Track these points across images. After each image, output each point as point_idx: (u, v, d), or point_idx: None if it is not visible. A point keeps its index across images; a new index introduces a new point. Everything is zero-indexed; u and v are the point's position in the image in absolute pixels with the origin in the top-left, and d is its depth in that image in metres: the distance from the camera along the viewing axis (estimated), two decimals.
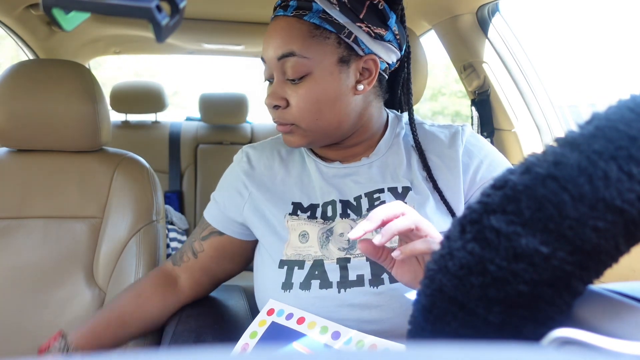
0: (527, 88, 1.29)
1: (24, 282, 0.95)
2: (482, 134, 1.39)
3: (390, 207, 0.53)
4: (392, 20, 0.70)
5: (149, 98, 2.24)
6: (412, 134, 0.74)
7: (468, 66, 1.36)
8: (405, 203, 0.70)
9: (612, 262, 0.25)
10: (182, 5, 0.34)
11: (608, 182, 0.24)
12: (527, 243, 0.25)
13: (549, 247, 0.25)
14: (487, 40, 1.27)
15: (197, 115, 2.36)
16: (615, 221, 0.24)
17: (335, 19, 0.66)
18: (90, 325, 0.78)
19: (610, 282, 0.29)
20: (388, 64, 0.72)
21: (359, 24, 0.66)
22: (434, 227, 0.54)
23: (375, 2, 0.68)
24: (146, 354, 0.16)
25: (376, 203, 0.71)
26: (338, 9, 0.66)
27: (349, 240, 0.69)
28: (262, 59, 0.71)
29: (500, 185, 0.27)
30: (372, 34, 0.67)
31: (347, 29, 0.66)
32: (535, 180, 0.26)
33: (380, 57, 0.69)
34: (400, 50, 0.73)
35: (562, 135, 0.27)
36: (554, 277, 0.25)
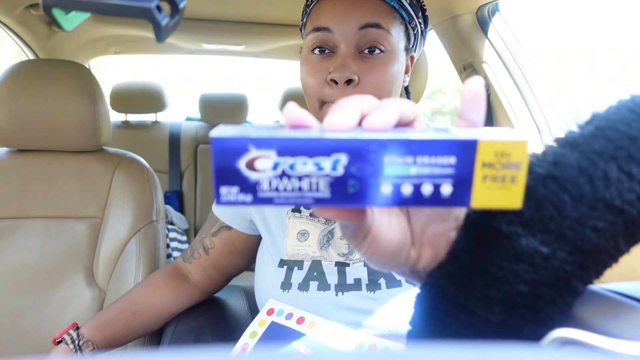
0: (527, 88, 1.29)
1: (24, 282, 0.95)
2: None
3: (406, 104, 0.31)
4: (427, 25, 0.73)
5: (149, 98, 2.24)
6: None
7: (468, 66, 1.36)
8: None
9: (612, 262, 0.25)
10: (182, 5, 0.34)
11: (608, 182, 0.24)
12: (527, 243, 0.25)
13: (549, 247, 0.25)
14: (487, 40, 1.27)
15: (197, 115, 2.37)
16: (615, 221, 0.24)
17: (409, 9, 0.67)
18: (102, 317, 0.78)
19: (610, 282, 0.29)
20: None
21: (419, 21, 0.70)
22: None
23: (424, 7, 0.71)
24: (146, 354, 0.16)
25: None
26: (408, 2, 0.67)
27: (348, 244, 0.69)
28: (322, 28, 0.64)
29: None
30: (422, 33, 0.71)
31: (415, 21, 0.68)
32: (535, 180, 0.26)
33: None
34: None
35: (562, 135, 0.27)
36: (554, 277, 0.25)
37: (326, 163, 0.25)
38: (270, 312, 0.66)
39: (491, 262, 0.26)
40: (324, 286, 0.67)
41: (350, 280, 0.66)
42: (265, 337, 0.63)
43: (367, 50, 0.63)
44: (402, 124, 0.28)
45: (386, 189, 0.25)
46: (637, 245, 0.25)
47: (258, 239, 0.81)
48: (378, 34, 0.62)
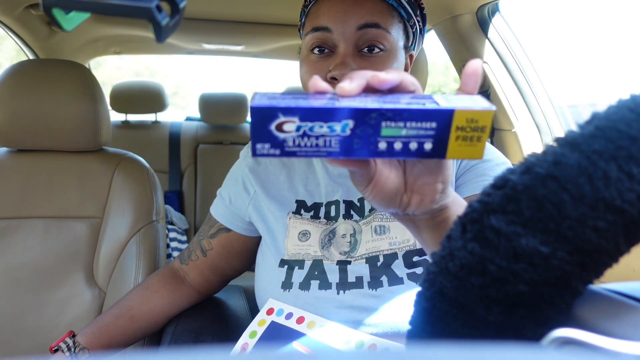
0: (527, 88, 1.29)
1: (24, 282, 0.95)
2: None
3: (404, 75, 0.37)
4: (425, 25, 0.73)
5: (149, 98, 2.24)
6: None
7: None
8: None
9: (612, 262, 0.25)
10: (182, 5, 0.34)
11: (608, 182, 0.24)
12: (527, 243, 0.25)
13: (549, 247, 0.25)
14: (487, 40, 1.27)
15: (197, 115, 2.36)
16: (615, 221, 0.24)
17: (407, 8, 0.68)
18: (98, 323, 0.78)
19: (610, 282, 0.29)
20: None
21: (418, 19, 0.70)
22: None
23: (423, 5, 0.71)
24: (146, 354, 0.16)
25: None
26: (406, 0, 0.68)
27: (350, 242, 0.69)
28: (321, 28, 0.64)
29: (501, 185, 0.27)
30: (421, 31, 0.71)
31: (414, 19, 0.69)
32: (535, 180, 0.26)
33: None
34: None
35: (562, 135, 0.27)
36: (554, 277, 0.25)
37: (337, 126, 0.33)
38: (270, 311, 0.66)
39: (491, 261, 0.26)
40: (325, 285, 0.67)
41: (351, 278, 0.67)
42: (265, 337, 0.63)
43: (366, 49, 0.63)
44: (404, 91, 0.36)
45: (382, 145, 0.34)
46: (637, 245, 0.25)
47: (257, 240, 0.81)
48: (377, 33, 0.63)
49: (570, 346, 0.21)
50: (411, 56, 0.71)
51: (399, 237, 0.68)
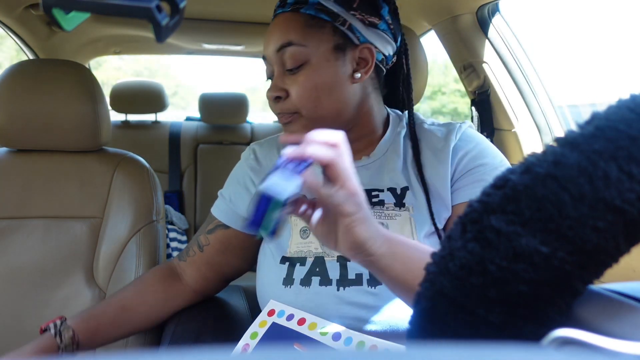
0: (527, 88, 1.29)
1: (24, 282, 0.95)
2: (482, 134, 1.39)
3: (328, 135, 0.49)
4: (385, 11, 0.72)
5: (149, 98, 2.24)
6: (410, 131, 0.75)
7: (468, 66, 1.36)
8: (404, 203, 0.70)
9: (612, 262, 0.25)
10: (182, 5, 0.34)
11: (608, 182, 0.24)
12: (527, 243, 0.25)
13: (549, 247, 0.25)
14: (487, 40, 1.27)
15: (197, 115, 2.36)
16: (615, 221, 0.24)
17: (329, 9, 0.68)
18: (89, 309, 0.79)
19: (610, 282, 0.29)
20: (385, 55, 0.73)
21: (352, 12, 0.69)
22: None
23: None
24: (146, 354, 0.16)
25: (374, 200, 0.71)
26: None
27: None
28: (264, 57, 0.74)
29: (501, 184, 0.27)
30: (366, 22, 0.70)
31: (342, 17, 0.68)
32: (535, 180, 0.26)
33: (375, 47, 0.71)
34: (395, 41, 0.74)
35: (562, 135, 0.27)
36: (554, 277, 0.25)
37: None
38: (271, 313, 0.66)
39: (491, 261, 0.26)
40: (325, 281, 0.67)
41: (351, 275, 0.67)
42: (266, 338, 0.63)
43: (291, 67, 0.69)
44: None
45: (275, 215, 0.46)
46: (637, 245, 0.25)
47: (255, 240, 0.81)
48: (292, 51, 0.68)
49: (570, 346, 0.21)
50: (367, 49, 0.70)
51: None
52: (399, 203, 0.71)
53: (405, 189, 0.71)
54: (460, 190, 0.70)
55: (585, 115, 0.27)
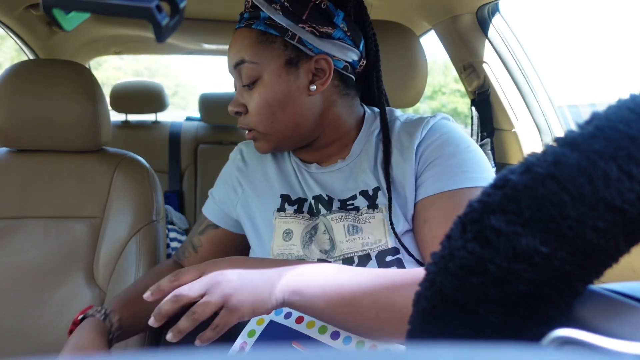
0: (527, 88, 1.29)
1: (24, 282, 0.95)
2: (482, 134, 1.39)
3: (197, 287, 0.55)
4: (339, 18, 0.70)
5: (149, 98, 2.24)
6: (382, 131, 0.74)
7: (468, 66, 1.36)
8: (377, 204, 0.70)
9: (612, 262, 0.25)
10: (182, 5, 0.34)
11: (608, 182, 0.24)
12: (527, 243, 0.25)
13: (549, 247, 0.25)
14: (487, 40, 1.27)
15: (197, 115, 2.36)
16: (615, 221, 0.24)
17: (279, 24, 0.68)
18: (122, 296, 0.74)
19: (610, 282, 0.29)
20: (348, 62, 0.72)
21: (301, 25, 0.68)
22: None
23: (317, 3, 0.69)
24: (146, 354, 0.16)
25: (349, 208, 0.71)
26: (281, 13, 0.67)
27: (330, 240, 0.70)
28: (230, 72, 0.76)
29: (501, 184, 0.27)
30: (317, 33, 0.68)
31: (291, 32, 0.68)
32: (535, 180, 0.26)
33: (333, 56, 0.70)
34: (357, 46, 0.72)
35: (562, 135, 0.27)
36: (554, 277, 0.25)
37: None
38: None
39: (491, 261, 0.26)
40: None
41: None
42: (264, 336, 0.63)
43: (246, 83, 0.70)
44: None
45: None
46: (637, 245, 0.25)
47: (246, 239, 0.81)
48: (245, 68, 0.69)
49: (570, 346, 0.21)
50: (324, 59, 0.69)
51: (372, 237, 0.68)
52: (372, 205, 0.70)
53: (376, 189, 0.71)
54: (422, 186, 0.68)
55: (585, 115, 0.27)
